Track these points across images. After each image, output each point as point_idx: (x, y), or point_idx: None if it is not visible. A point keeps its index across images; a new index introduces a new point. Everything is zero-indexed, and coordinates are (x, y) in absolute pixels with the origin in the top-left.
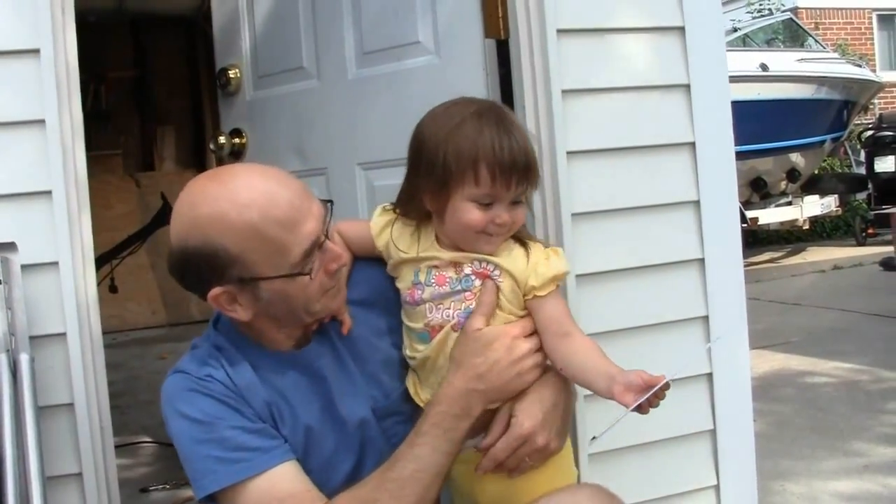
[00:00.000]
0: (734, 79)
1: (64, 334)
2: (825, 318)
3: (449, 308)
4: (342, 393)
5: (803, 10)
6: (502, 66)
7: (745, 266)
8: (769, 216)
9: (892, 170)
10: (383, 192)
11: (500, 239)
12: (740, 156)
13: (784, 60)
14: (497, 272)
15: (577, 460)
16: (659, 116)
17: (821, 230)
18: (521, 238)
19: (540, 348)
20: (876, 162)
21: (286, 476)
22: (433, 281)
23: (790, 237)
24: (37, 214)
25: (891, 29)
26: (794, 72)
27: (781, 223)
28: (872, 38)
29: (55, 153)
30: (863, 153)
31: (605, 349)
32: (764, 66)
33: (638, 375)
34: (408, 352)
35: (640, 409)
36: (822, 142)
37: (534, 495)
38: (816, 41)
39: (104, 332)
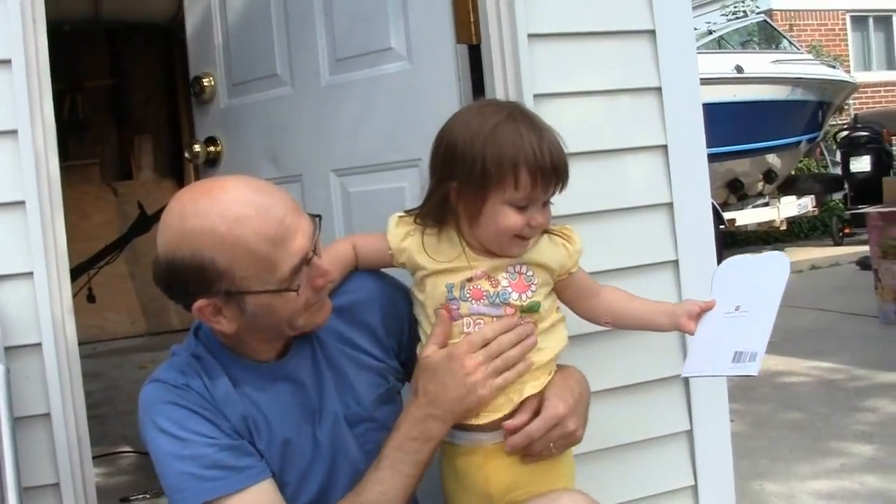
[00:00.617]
0: (709, 81)
1: (39, 345)
2: (803, 317)
3: (492, 322)
4: (319, 401)
5: (777, 12)
6: (474, 71)
7: None
8: (746, 217)
9: (868, 170)
10: (358, 199)
11: (531, 242)
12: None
13: (759, 62)
14: (531, 273)
15: None
16: (631, 120)
17: (798, 231)
18: None
19: (494, 358)
20: (851, 162)
21: (260, 496)
22: (469, 296)
23: (768, 238)
24: (10, 224)
25: (864, 30)
26: (769, 73)
27: (759, 224)
28: (846, 40)
29: (28, 163)
30: (838, 154)
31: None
32: (739, 68)
33: (693, 304)
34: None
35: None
36: (798, 143)
37: (544, 484)
38: (791, 43)
39: (83, 343)
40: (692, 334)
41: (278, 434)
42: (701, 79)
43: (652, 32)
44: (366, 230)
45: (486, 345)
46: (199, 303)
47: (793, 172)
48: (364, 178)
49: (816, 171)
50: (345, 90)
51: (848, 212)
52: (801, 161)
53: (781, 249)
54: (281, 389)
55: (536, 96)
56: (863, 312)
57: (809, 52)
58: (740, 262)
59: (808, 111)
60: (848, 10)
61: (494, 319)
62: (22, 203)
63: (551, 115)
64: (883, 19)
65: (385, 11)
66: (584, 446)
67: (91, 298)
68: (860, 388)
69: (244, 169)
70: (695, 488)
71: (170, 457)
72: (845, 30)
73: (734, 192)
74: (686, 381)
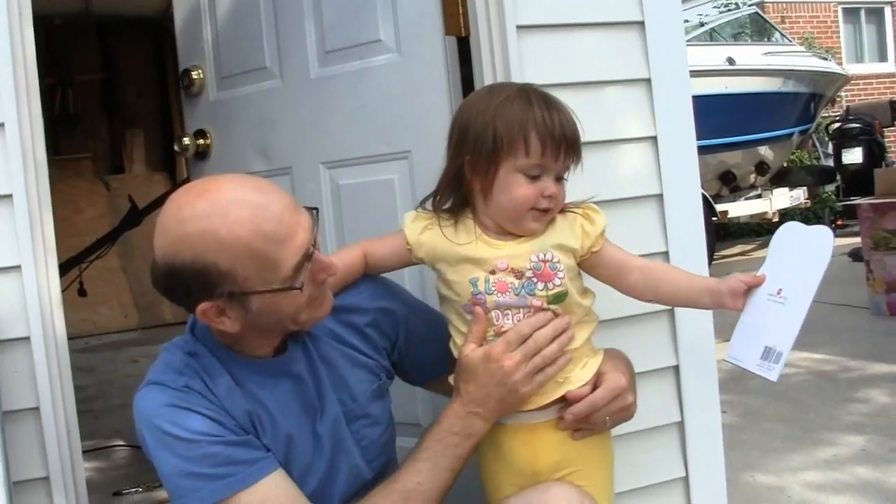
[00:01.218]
0: (701, 73)
1: (28, 338)
2: None
3: (519, 313)
4: (318, 396)
5: (769, 4)
6: (463, 63)
7: (717, 259)
8: (739, 209)
9: (860, 161)
10: (348, 191)
11: (547, 216)
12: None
13: (751, 54)
14: (556, 259)
15: None
16: (620, 111)
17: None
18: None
19: (532, 356)
20: (843, 154)
21: (276, 486)
22: (494, 289)
23: (760, 230)
24: None
25: (856, 22)
26: (760, 65)
27: (751, 216)
28: (838, 32)
29: (15, 156)
30: (830, 145)
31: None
32: (731, 60)
33: (738, 281)
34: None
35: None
36: (790, 135)
37: (589, 464)
38: (783, 35)
39: (75, 337)
40: (737, 311)
41: (282, 429)
42: (693, 71)
43: (641, 24)
44: (356, 222)
45: (523, 342)
46: (203, 306)
47: (785, 164)
48: (354, 170)
49: (809, 162)
50: (334, 83)
51: (840, 203)
52: (794, 153)
53: None
54: (282, 385)
55: None
56: (854, 304)
57: (801, 45)
58: (795, 230)
59: (800, 103)
60: (840, 2)
61: (522, 311)
62: (9, 196)
63: None
64: (875, 11)
65: (374, 4)
66: None
67: (82, 292)
68: (852, 379)
69: (234, 162)
70: (686, 480)
71: (178, 459)
72: (837, 22)
73: (726, 184)
74: (676, 371)
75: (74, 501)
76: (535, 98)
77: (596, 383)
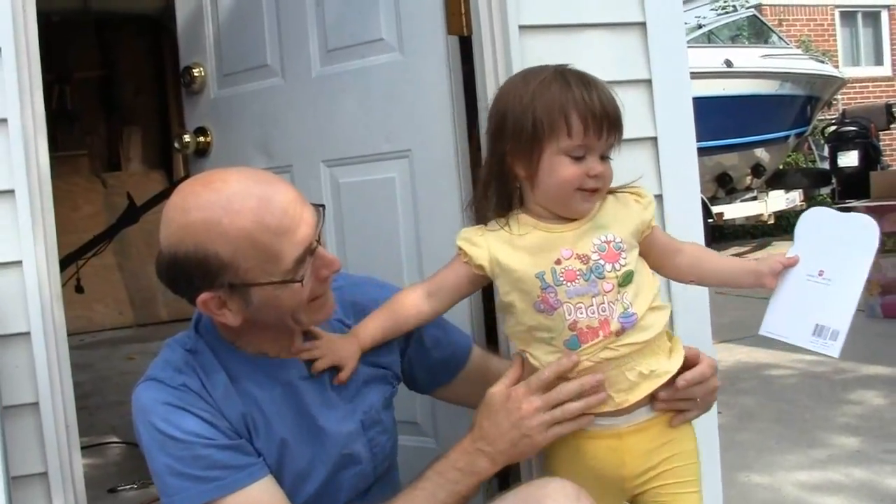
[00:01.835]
0: (699, 75)
1: (28, 333)
2: None
3: (592, 305)
4: (323, 405)
5: (767, 7)
6: (465, 62)
7: None
8: (735, 211)
9: (856, 164)
10: (348, 189)
11: (596, 196)
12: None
13: (748, 57)
14: (618, 239)
15: None
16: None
17: (786, 224)
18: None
19: (553, 406)
20: (839, 157)
21: (263, 493)
22: (563, 279)
23: (755, 232)
24: (0, 213)
25: (853, 26)
26: (758, 68)
27: (747, 218)
28: (835, 35)
29: (17, 152)
30: (826, 148)
31: None
32: (728, 63)
33: (776, 261)
34: (538, 362)
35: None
36: (787, 137)
37: (678, 461)
38: (780, 37)
39: (71, 334)
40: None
41: (277, 433)
42: (690, 73)
43: (642, 25)
44: (356, 220)
45: (546, 389)
46: (204, 296)
47: (781, 167)
48: (355, 168)
49: (804, 165)
50: (336, 81)
51: (835, 206)
52: (790, 155)
53: (769, 244)
54: (276, 388)
55: None
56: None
57: (798, 47)
58: (826, 216)
59: (796, 106)
60: (837, 6)
61: (595, 301)
62: (11, 192)
63: None
64: (871, 15)
65: (377, 2)
66: None
67: (79, 289)
68: (846, 380)
69: (234, 159)
70: None
71: (168, 457)
72: (834, 25)
73: (723, 186)
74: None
75: (72, 497)
76: (573, 78)
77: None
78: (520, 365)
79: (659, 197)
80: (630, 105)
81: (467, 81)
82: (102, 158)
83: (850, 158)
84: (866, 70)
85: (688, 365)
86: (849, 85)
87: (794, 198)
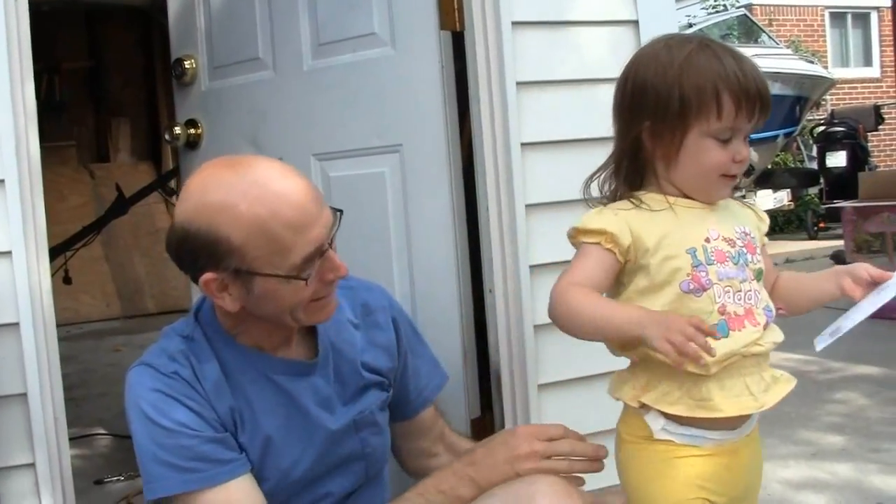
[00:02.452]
0: None
1: (17, 324)
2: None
3: (739, 291)
4: (318, 404)
5: (757, 7)
6: (458, 57)
7: None
8: None
9: (844, 165)
10: (339, 183)
11: (734, 182)
12: None
13: None
14: (753, 235)
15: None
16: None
17: (773, 224)
18: None
19: (552, 454)
20: (827, 157)
21: (241, 491)
22: (713, 258)
23: None
24: None
25: (842, 26)
26: None
27: None
28: (825, 35)
29: (8, 141)
30: (815, 148)
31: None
32: None
33: (863, 269)
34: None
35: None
36: (775, 137)
37: (759, 476)
38: (770, 37)
39: (58, 325)
40: (855, 298)
41: (262, 429)
42: None
43: (635, 22)
44: (346, 214)
45: (551, 439)
46: (207, 276)
47: (769, 166)
48: (345, 162)
49: (793, 165)
50: (327, 75)
51: (823, 206)
52: (778, 155)
53: None
54: (268, 384)
55: (519, 84)
56: (836, 305)
57: (788, 48)
58: None
59: (785, 105)
60: (827, 7)
61: (743, 288)
62: (2, 182)
63: (534, 103)
64: (861, 16)
65: None
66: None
67: (67, 280)
68: (832, 380)
69: (225, 152)
70: None
71: (153, 444)
72: (824, 26)
73: None
74: None
75: (60, 488)
76: (722, 51)
77: None
78: (559, 429)
79: None
80: None
81: (460, 77)
82: (90, 149)
83: (838, 159)
84: (855, 71)
85: None
86: (838, 86)
87: (782, 197)
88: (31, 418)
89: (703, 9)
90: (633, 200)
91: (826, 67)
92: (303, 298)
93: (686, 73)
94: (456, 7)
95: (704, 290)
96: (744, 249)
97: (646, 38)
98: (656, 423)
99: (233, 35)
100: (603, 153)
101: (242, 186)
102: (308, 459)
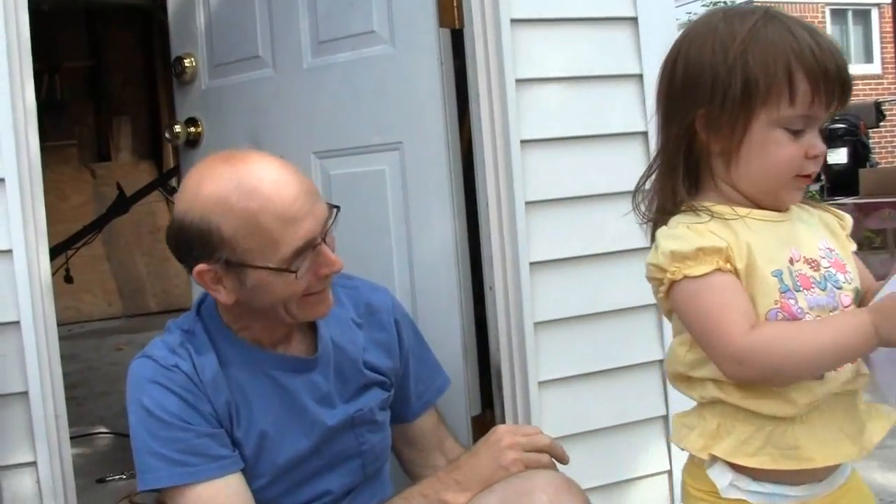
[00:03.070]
0: None
1: (18, 322)
2: None
3: None
4: (316, 400)
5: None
6: (457, 55)
7: None
8: None
9: (845, 161)
10: (339, 181)
11: (809, 182)
12: None
13: None
14: (835, 249)
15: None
16: (612, 106)
17: None
18: None
19: (530, 448)
20: (828, 154)
21: (230, 488)
22: (800, 284)
23: None
24: None
25: (843, 23)
26: None
27: None
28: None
29: (8, 140)
30: None
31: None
32: None
33: None
34: (756, 404)
35: None
36: None
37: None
38: None
39: (59, 324)
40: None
41: (257, 424)
42: None
43: (634, 20)
44: (346, 213)
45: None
46: (200, 267)
47: None
48: (345, 160)
49: None
50: (327, 73)
51: (824, 202)
52: None
53: None
54: (266, 380)
55: (519, 81)
56: None
57: None
58: None
59: None
60: (827, 3)
61: (833, 314)
62: (2, 181)
63: (533, 100)
64: (861, 13)
65: None
66: (560, 431)
67: (69, 279)
68: None
69: (225, 150)
70: (670, 473)
71: (147, 434)
72: (824, 23)
73: None
74: (662, 366)
75: (62, 487)
76: (793, 24)
77: None
78: (557, 448)
79: None
80: (621, 100)
81: (459, 74)
82: (91, 149)
83: (839, 156)
84: (856, 68)
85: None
86: None
87: None
88: (33, 417)
89: (703, 6)
90: (703, 212)
91: None
92: (295, 292)
93: (751, 50)
94: (455, 4)
95: (797, 319)
96: (832, 270)
97: (645, 34)
98: (723, 479)
99: (233, 33)
100: (604, 151)
101: (235, 179)
102: (304, 455)
